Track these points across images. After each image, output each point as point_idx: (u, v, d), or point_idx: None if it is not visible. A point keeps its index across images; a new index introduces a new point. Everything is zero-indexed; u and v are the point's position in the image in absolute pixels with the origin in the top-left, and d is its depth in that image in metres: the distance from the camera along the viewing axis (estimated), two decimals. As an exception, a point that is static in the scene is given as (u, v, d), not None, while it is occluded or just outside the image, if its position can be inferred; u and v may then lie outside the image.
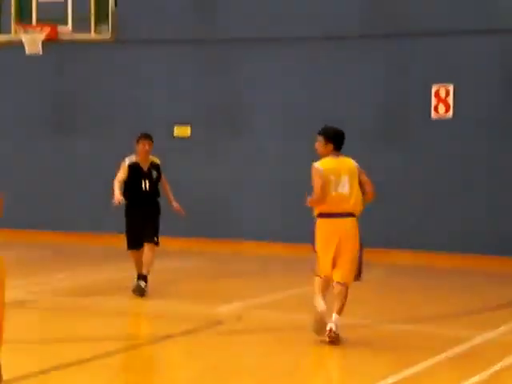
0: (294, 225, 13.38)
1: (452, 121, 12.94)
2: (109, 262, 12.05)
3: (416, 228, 12.94)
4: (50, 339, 7.46)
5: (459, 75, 12.85)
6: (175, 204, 9.94)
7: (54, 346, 7.20)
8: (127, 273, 10.14)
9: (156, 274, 10.29)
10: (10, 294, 4.21)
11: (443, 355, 7.15)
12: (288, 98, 13.71)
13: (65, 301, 9.26)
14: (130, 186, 9.71)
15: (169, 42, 14.15)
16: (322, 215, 7.50)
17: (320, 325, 7.38)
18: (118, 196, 9.47)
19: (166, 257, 11.41)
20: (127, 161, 9.82)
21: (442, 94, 12.87)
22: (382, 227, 12.79)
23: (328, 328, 7.30)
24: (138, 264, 9.78)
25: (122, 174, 9.70)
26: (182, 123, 14.33)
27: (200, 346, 7.49)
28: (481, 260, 12.51)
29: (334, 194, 7.47)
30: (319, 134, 7.80)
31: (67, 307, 8.93)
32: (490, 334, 7.99)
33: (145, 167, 9.86)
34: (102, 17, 10.65)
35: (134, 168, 9.77)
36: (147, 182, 9.76)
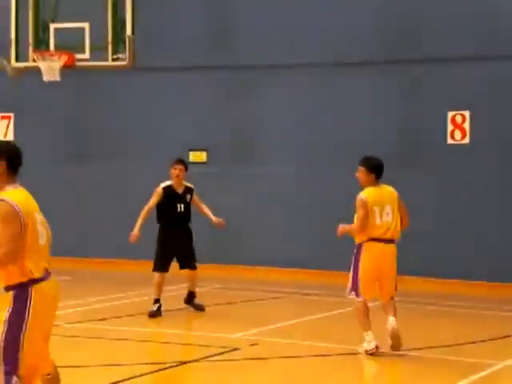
0: (307, 251, 13.40)
1: (468, 147, 12.97)
2: (132, 287, 12.07)
3: (429, 254, 12.91)
4: (77, 364, 7.47)
5: (475, 101, 12.88)
6: (215, 218, 10.38)
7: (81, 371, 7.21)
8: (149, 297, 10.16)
9: (171, 300, 10.29)
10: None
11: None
12: (302, 124, 13.75)
13: (88, 327, 9.26)
14: (165, 209, 10.11)
15: (184, 69, 14.24)
16: (371, 239, 8.13)
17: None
18: (135, 233, 9.90)
19: (180, 282, 11.41)
20: (161, 185, 10.27)
21: (459, 120, 12.90)
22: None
23: (391, 328, 7.95)
24: (159, 288, 9.88)
25: (154, 200, 10.15)
26: (198, 149, 14.39)
27: (221, 370, 7.50)
28: (495, 287, 12.46)
29: (379, 222, 8.16)
30: (361, 164, 8.34)
31: (92, 333, 8.93)
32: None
33: (179, 191, 10.25)
34: (119, 44, 10.74)
35: (168, 191, 10.19)
36: (182, 205, 10.17)
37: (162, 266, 10.02)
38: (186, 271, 10.29)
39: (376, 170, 8.29)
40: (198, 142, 14.30)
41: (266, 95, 13.97)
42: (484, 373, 7.50)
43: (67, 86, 12.95)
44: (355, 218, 8.17)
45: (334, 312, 10.63)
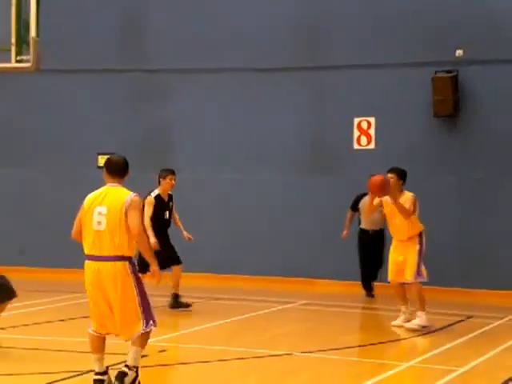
0: (211, 255, 13.42)
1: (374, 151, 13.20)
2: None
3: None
4: None
5: (380, 107, 13.12)
6: (186, 233, 10.98)
7: None
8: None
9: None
10: None
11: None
12: (213, 130, 13.78)
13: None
14: (155, 217, 10.59)
15: (93, 72, 14.08)
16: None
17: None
18: (154, 241, 10.31)
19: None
20: (152, 195, 10.70)
21: (364, 126, 13.14)
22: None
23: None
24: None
25: (149, 209, 10.57)
26: (107, 153, 14.21)
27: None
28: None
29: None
30: (391, 172, 9.75)
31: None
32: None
33: (166, 199, 10.85)
34: (23, 46, 10.50)
35: (158, 200, 10.71)
36: (167, 212, 10.80)
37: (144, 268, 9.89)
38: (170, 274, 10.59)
39: (404, 177, 9.83)
40: (108, 145, 14.14)
41: (177, 98, 13.92)
42: (389, 373, 7.63)
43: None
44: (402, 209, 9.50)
45: (245, 315, 10.66)
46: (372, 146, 13.12)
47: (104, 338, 6.53)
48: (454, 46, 12.73)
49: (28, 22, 10.40)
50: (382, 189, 9.47)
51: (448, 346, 8.86)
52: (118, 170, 6.58)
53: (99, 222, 6.37)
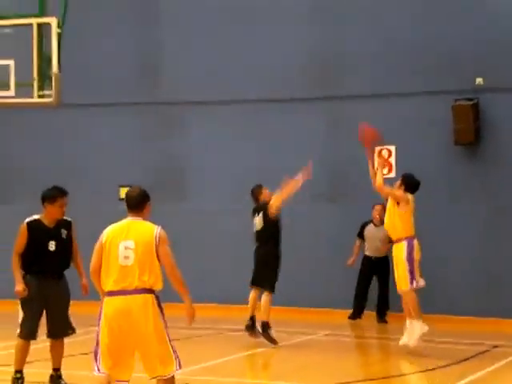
0: (229, 287, 13.36)
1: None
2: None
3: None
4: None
5: (400, 136, 13.11)
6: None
7: None
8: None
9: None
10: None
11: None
12: (227, 161, 13.83)
13: None
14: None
15: (113, 106, 14.20)
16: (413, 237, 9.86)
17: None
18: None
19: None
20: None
21: (385, 154, 13.13)
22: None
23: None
24: None
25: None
26: (128, 185, 14.29)
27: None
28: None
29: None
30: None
31: None
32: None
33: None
34: (44, 81, 10.60)
35: None
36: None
37: None
38: None
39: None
40: (128, 177, 14.22)
41: (193, 130, 14.01)
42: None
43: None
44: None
45: (268, 347, 10.59)
46: (392, 174, 13.09)
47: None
48: (473, 73, 12.73)
49: (49, 58, 10.50)
50: (370, 138, 9.87)
51: (475, 376, 8.75)
52: (135, 204, 6.52)
53: (126, 257, 6.26)
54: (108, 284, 6.29)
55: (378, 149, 10.92)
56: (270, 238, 10.83)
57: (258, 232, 10.92)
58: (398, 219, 9.90)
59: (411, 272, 9.66)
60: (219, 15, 13.94)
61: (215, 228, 13.73)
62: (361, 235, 12.97)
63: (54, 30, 10.20)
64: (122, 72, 14.23)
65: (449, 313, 12.57)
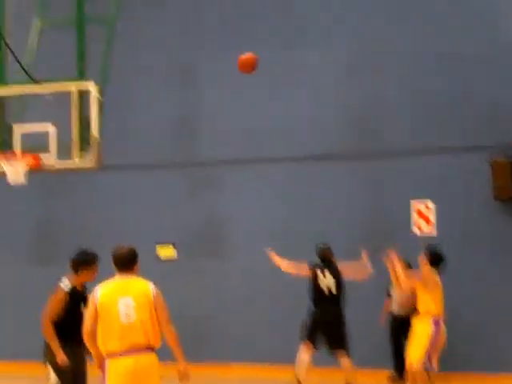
0: (281, 345, 13.23)
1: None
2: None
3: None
4: None
5: (437, 192, 13.03)
6: None
7: None
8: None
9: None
10: None
11: None
12: (271, 219, 13.80)
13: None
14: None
15: (152, 167, 14.34)
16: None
17: None
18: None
19: None
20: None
21: (423, 209, 13.04)
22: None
23: None
24: None
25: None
26: (165, 243, 14.37)
27: None
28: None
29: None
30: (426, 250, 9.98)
31: None
32: None
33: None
34: (84, 144, 10.74)
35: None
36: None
37: None
38: None
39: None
40: (165, 236, 14.28)
41: (231, 189, 14.05)
42: None
43: (33, 188, 12.93)
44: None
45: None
46: (433, 232, 12.99)
47: None
48: (511, 129, 12.68)
49: (89, 121, 10.67)
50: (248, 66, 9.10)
51: None
52: (126, 262, 6.58)
53: (128, 315, 6.20)
54: (111, 344, 6.17)
55: (389, 256, 10.68)
56: (342, 299, 10.80)
57: (329, 293, 10.81)
58: (428, 296, 9.79)
59: (429, 354, 9.40)
60: (254, 77, 14.08)
61: (253, 286, 13.67)
62: (388, 294, 12.66)
63: (94, 95, 10.38)
64: (161, 133, 14.40)
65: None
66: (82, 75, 10.40)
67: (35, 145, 10.95)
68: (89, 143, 10.70)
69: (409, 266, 11.57)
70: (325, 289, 11.12)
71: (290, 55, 13.86)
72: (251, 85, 14.07)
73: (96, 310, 6.27)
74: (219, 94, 14.25)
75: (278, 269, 12.62)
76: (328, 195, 13.57)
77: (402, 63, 13.44)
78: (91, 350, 6.31)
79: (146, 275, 14.09)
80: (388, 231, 13.23)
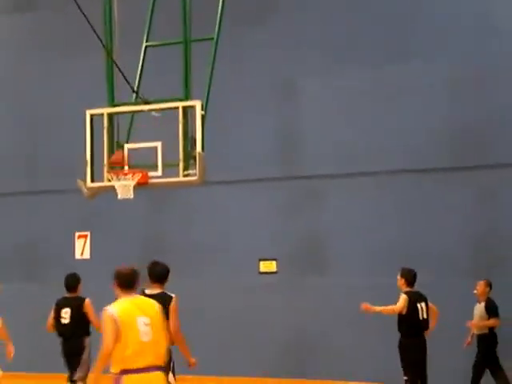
0: (378, 363, 13.15)
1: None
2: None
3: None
4: None
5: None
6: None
7: None
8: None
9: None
10: None
11: None
12: (374, 234, 13.76)
13: None
14: None
15: (254, 181, 14.53)
16: None
17: None
18: None
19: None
20: None
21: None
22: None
23: None
24: None
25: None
26: (268, 259, 14.49)
27: None
28: None
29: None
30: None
31: None
32: None
33: None
34: (189, 161, 10.99)
35: None
36: None
37: None
38: None
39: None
40: (268, 251, 14.42)
41: (331, 204, 14.08)
42: None
43: (141, 203, 13.31)
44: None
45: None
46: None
47: None
48: None
49: (193, 138, 10.93)
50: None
51: None
52: (134, 281, 6.58)
53: (146, 333, 6.27)
54: (129, 361, 6.23)
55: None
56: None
57: (423, 320, 10.68)
58: None
59: None
60: (354, 92, 14.14)
61: (353, 302, 13.63)
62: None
63: (198, 112, 10.63)
64: (263, 149, 14.58)
65: None
66: (187, 94, 10.66)
67: (143, 162, 11.29)
68: (193, 159, 10.94)
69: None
70: (420, 317, 10.89)
71: (391, 70, 13.84)
72: (354, 99, 14.11)
73: (118, 328, 6.29)
74: (321, 109, 14.34)
75: (380, 285, 12.57)
76: (432, 208, 13.42)
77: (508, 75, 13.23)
78: (101, 366, 6.38)
79: (248, 290, 14.32)
80: (497, 247, 12.97)
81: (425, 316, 10.60)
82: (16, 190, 16.18)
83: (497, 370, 11.89)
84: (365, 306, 10.55)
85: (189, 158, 10.97)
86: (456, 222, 13.24)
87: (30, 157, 16.17)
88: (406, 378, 10.42)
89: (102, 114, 10.80)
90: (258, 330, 14.15)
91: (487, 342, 11.78)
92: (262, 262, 14.48)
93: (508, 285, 12.65)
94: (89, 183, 11.05)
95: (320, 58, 14.31)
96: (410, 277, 10.80)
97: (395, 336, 12.11)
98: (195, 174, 10.89)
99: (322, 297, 13.87)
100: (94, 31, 9.44)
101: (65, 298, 10.94)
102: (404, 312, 10.53)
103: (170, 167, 11.01)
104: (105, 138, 10.87)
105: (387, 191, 13.75)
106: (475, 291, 12.11)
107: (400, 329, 10.60)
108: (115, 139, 10.92)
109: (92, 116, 10.86)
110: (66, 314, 10.71)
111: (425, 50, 13.66)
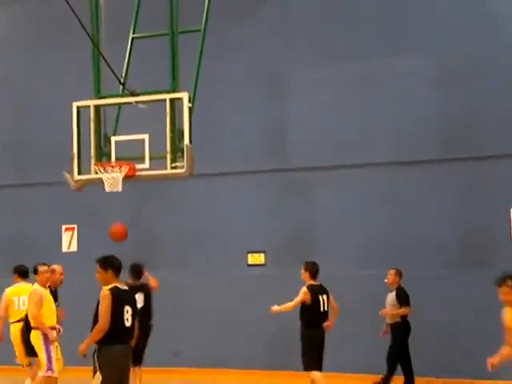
0: (364, 355, 13.17)
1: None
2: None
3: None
4: None
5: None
6: None
7: None
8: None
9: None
10: None
11: None
12: (362, 226, 13.76)
13: None
14: None
15: (241, 174, 14.51)
16: None
17: None
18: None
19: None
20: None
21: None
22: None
23: None
24: None
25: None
26: (256, 251, 14.49)
27: None
28: None
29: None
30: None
31: None
32: None
33: None
34: (177, 153, 10.95)
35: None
36: None
37: None
38: None
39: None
40: (256, 244, 14.42)
41: (319, 196, 14.08)
42: None
43: (128, 196, 13.25)
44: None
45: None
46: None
47: None
48: None
49: (181, 131, 10.88)
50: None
51: None
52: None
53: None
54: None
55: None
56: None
57: (323, 312, 11.02)
58: None
59: None
60: (343, 84, 14.12)
61: (342, 294, 13.63)
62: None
63: (186, 105, 10.59)
64: (250, 141, 14.56)
65: None
66: (174, 86, 10.62)
67: (130, 154, 11.24)
68: (181, 152, 10.90)
69: None
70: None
71: (378, 61, 13.83)
72: (341, 91, 14.10)
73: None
74: (308, 101, 14.32)
75: (368, 277, 12.61)
76: (421, 204, 13.43)
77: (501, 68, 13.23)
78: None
79: (236, 282, 14.33)
80: (485, 238, 13.01)
81: (325, 308, 10.91)
82: (3, 182, 16.11)
83: (405, 359, 12.12)
84: (273, 309, 10.86)
85: (176, 150, 10.93)
86: (444, 213, 13.25)
87: (17, 149, 16.09)
88: (304, 360, 10.70)
89: (89, 106, 10.75)
90: (247, 323, 14.15)
91: (400, 331, 11.86)
92: (250, 255, 14.47)
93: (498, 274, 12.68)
94: (76, 176, 11.01)
95: (307, 49, 14.29)
96: (313, 270, 11.13)
97: (381, 328, 12.17)
98: (183, 167, 10.85)
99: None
100: (80, 23, 9.38)
101: (134, 285, 11.50)
102: (308, 303, 10.83)
103: (157, 160, 10.97)
104: (92, 130, 10.83)
105: (375, 183, 13.76)
106: (386, 280, 12.24)
107: (302, 319, 10.89)
108: (102, 131, 10.88)
109: (79, 108, 10.80)
110: (139, 298, 11.47)
111: (413, 40, 13.65)
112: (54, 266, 11.43)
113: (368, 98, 13.89)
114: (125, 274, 8.78)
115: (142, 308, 11.37)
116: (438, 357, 13.02)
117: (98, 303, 8.13)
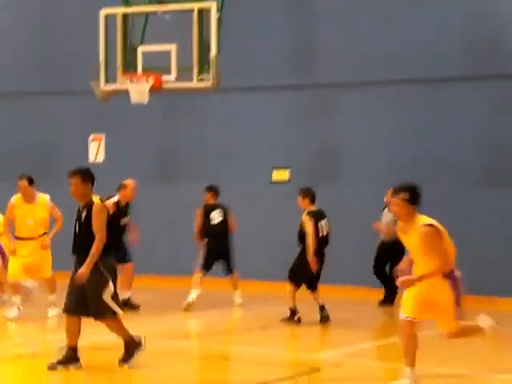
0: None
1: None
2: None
3: None
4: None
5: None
6: None
7: None
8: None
9: (250, 320, 10.30)
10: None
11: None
12: (388, 144, 13.68)
13: (167, 344, 9.40)
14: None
15: (268, 89, 14.38)
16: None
17: None
18: None
19: (257, 302, 11.56)
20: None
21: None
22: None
23: None
24: None
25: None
26: (280, 167, 14.47)
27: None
28: None
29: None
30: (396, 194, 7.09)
31: (169, 351, 9.05)
32: None
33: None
34: (204, 65, 10.88)
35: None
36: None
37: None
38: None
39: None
40: (281, 160, 14.39)
41: (346, 113, 13.96)
42: None
43: (154, 107, 13.21)
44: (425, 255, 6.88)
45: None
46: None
47: None
48: None
49: (208, 43, 10.78)
50: None
51: None
52: None
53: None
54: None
55: None
56: None
57: (323, 237, 10.95)
58: None
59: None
60: (369, 1, 13.86)
61: (368, 211, 13.66)
62: None
63: (214, 15, 10.46)
64: (277, 56, 14.37)
65: None
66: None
67: (157, 65, 11.17)
68: (207, 64, 10.83)
69: None
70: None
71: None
72: (368, 8, 13.84)
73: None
74: (336, 17, 14.07)
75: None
76: (449, 121, 13.28)
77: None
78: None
79: (261, 198, 14.29)
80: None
81: (324, 233, 10.81)
82: (29, 89, 16.03)
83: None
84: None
85: (203, 62, 10.85)
86: (470, 133, 13.12)
87: (43, 55, 15.98)
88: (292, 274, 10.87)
89: (116, 14, 10.65)
90: (271, 236, 14.19)
91: (394, 249, 11.79)
92: (275, 171, 14.46)
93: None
94: (102, 85, 10.98)
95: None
96: (311, 195, 10.93)
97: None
98: (209, 79, 10.80)
99: (334, 205, 13.86)
100: None
101: (213, 203, 12.23)
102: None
103: (183, 71, 10.90)
104: (118, 39, 10.76)
105: (402, 101, 13.60)
106: (385, 198, 12.15)
107: (302, 243, 10.77)
108: (129, 41, 10.81)
109: (106, 16, 10.71)
110: (218, 214, 12.14)
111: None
112: (126, 182, 11.33)
113: (395, 16, 13.63)
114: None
115: (220, 222, 12.17)
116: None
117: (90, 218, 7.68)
